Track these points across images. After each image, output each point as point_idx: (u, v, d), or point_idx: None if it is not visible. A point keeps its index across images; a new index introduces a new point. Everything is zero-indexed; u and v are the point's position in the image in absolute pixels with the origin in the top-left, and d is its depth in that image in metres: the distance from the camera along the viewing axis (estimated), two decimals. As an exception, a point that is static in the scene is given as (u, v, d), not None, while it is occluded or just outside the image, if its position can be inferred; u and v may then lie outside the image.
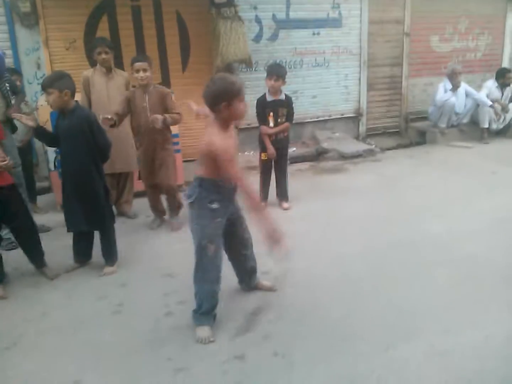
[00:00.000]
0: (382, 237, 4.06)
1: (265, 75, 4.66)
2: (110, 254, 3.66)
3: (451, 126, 7.50)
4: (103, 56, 4.33)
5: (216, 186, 2.63)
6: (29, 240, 3.54)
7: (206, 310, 2.79)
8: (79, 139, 3.34)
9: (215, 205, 2.65)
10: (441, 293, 3.16)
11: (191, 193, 2.69)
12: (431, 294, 3.15)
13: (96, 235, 3.68)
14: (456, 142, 7.27)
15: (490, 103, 7.19)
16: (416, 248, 3.84)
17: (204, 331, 2.76)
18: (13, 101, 4.22)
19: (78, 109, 3.42)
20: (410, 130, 7.98)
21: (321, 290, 3.24)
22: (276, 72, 4.53)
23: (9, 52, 5.50)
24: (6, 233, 3.80)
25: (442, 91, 7.23)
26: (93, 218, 3.50)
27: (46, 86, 3.29)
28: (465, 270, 3.44)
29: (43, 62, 5.73)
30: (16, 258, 3.79)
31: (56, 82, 3.26)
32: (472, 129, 7.53)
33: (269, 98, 4.63)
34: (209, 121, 2.70)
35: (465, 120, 7.51)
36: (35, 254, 3.58)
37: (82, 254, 3.69)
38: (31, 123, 3.34)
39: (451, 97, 7.13)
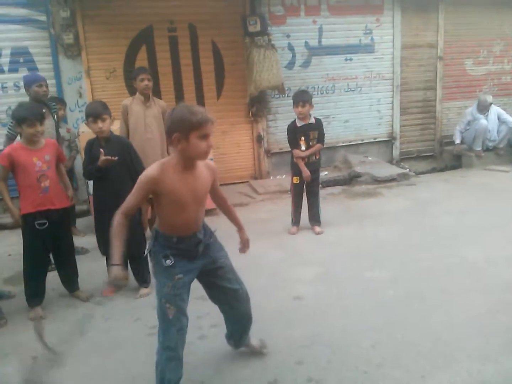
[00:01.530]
0: (416, 263, 4.00)
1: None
2: (144, 276, 3.73)
3: (487, 150, 7.36)
4: (146, 82, 4.48)
5: (169, 241, 2.31)
6: (68, 263, 3.66)
7: None
8: (121, 165, 3.51)
9: (169, 261, 2.30)
10: (478, 320, 3.08)
11: (149, 244, 2.40)
12: (468, 321, 3.07)
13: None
14: (492, 166, 7.14)
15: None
16: (451, 274, 3.77)
17: None
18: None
19: (114, 137, 3.61)
20: (445, 153, 7.88)
21: (353, 316, 3.21)
22: (302, 98, 4.64)
23: (52, 81, 5.79)
24: None
25: (464, 124, 7.32)
26: (131, 241, 3.58)
27: (101, 112, 3.44)
28: (502, 297, 3.35)
29: (84, 90, 6.01)
30: (54, 279, 3.90)
31: (107, 109, 3.50)
32: (510, 152, 7.37)
33: (299, 123, 4.73)
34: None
35: (501, 145, 7.36)
36: (70, 277, 3.69)
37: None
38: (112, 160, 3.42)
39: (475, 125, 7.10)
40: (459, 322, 3.08)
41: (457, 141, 7.34)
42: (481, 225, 4.81)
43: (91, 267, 4.06)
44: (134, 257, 3.67)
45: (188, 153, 2.20)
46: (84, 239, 4.86)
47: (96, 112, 3.45)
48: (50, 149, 3.46)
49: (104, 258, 3.73)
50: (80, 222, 5.29)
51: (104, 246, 3.62)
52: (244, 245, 2.77)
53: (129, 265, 3.71)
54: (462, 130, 7.33)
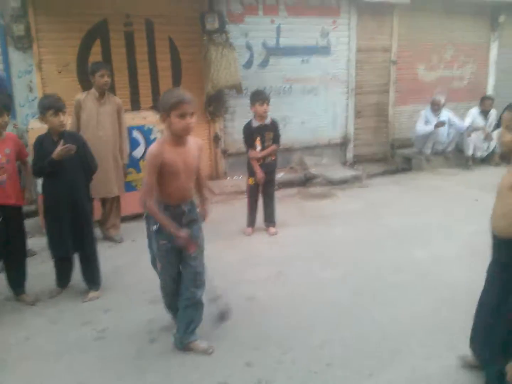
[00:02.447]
0: (366, 263, 4.12)
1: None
2: (95, 278, 3.66)
3: (436, 153, 7.64)
4: (106, 79, 4.38)
5: (158, 207, 2.63)
6: (18, 265, 3.53)
7: (187, 325, 2.85)
8: (75, 161, 3.42)
9: (155, 227, 2.68)
10: (423, 317, 3.22)
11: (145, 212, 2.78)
12: (413, 318, 3.21)
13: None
14: (441, 169, 7.41)
15: (466, 125, 7.39)
16: (399, 273, 3.91)
17: (197, 345, 2.88)
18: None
19: (67, 132, 3.51)
20: (396, 156, 8.12)
21: (303, 316, 3.27)
22: (261, 97, 4.66)
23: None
24: None
25: (423, 121, 7.42)
26: (82, 242, 3.53)
27: (61, 107, 3.36)
28: (446, 295, 3.51)
29: (35, 85, 5.77)
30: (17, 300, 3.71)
31: (56, 103, 3.36)
32: (457, 156, 7.69)
33: (255, 123, 4.73)
34: None
35: (450, 148, 7.66)
36: (18, 279, 3.55)
37: (65, 278, 3.69)
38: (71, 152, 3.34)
39: (430, 129, 7.32)
40: (405, 319, 3.21)
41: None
42: (429, 226, 5.00)
43: (39, 270, 3.93)
44: (85, 256, 3.61)
45: (172, 130, 2.59)
46: (32, 240, 4.66)
47: (58, 105, 3.35)
48: (11, 143, 3.40)
49: (53, 260, 3.63)
50: (26, 223, 5.07)
51: (55, 247, 3.54)
52: (203, 217, 2.98)
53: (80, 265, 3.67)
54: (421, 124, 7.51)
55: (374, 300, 3.46)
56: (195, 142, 2.79)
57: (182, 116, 2.52)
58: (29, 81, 5.73)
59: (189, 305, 2.82)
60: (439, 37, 8.26)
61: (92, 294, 3.61)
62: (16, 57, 5.66)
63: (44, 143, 3.41)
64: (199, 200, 3.00)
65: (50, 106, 3.32)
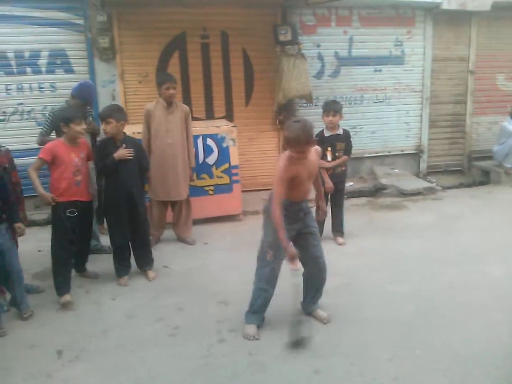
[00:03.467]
0: (437, 278, 3.98)
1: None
2: (150, 260, 4.18)
3: (517, 167, 7.23)
4: (172, 91, 4.54)
5: (283, 202, 2.97)
6: (84, 249, 4.04)
7: (256, 309, 3.17)
8: (134, 162, 3.92)
9: None
10: (498, 339, 3.05)
11: (264, 205, 3.19)
12: (488, 340, 3.05)
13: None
14: (522, 184, 7.00)
15: None
16: (473, 291, 3.74)
17: (251, 329, 3.14)
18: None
19: (128, 138, 4.01)
20: (473, 169, 7.77)
21: (371, 328, 3.22)
22: (333, 107, 4.66)
23: (88, 84, 5.97)
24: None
25: (509, 125, 7.04)
26: (138, 229, 4.03)
27: (106, 116, 3.80)
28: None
29: (117, 93, 6.16)
30: (81, 277, 4.11)
31: (115, 113, 3.81)
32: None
33: (326, 133, 4.73)
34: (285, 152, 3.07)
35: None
36: (82, 259, 4.08)
37: (126, 265, 4.07)
38: (130, 156, 3.85)
39: None
40: (479, 340, 3.06)
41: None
42: (506, 242, 4.73)
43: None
44: (140, 241, 4.08)
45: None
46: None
47: (101, 115, 3.84)
48: (84, 148, 3.86)
49: (113, 251, 4.07)
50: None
51: (115, 237, 3.99)
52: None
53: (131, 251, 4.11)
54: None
55: (445, 319, 3.33)
56: (315, 150, 3.14)
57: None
58: (112, 90, 6.13)
59: (314, 283, 3.27)
60: (521, 46, 7.85)
61: (152, 273, 4.11)
62: (101, 68, 6.08)
63: (108, 146, 3.88)
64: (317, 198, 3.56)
65: (106, 116, 3.79)
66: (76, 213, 3.69)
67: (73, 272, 4.07)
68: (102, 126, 3.88)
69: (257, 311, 3.19)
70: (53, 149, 3.63)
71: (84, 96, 4.44)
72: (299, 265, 3.04)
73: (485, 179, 7.44)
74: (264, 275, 3.12)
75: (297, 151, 2.88)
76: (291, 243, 3.05)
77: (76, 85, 4.55)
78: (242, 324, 3.23)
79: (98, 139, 4.60)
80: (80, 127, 3.67)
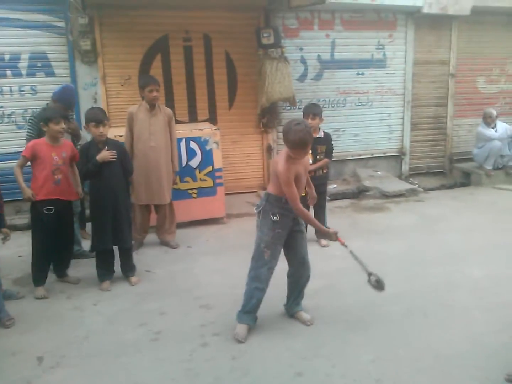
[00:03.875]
0: (420, 279, 4.02)
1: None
2: (132, 266, 4.14)
3: (497, 168, 7.35)
4: (155, 94, 4.51)
5: (279, 202, 3.08)
6: (65, 254, 4.03)
7: (249, 309, 3.17)
8: (117, 164, 3.90)
9: (276, 218, 3.08)
10: (479, 339, 3.09)
11: (259, 205, 3.19)
12: (469, 340, 3.08)
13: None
14: (502, 185, 7.11)
15: None
16: (455, 291, 3.78)
17: (242, 329, 3.15)
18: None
19: (110, 140, 3.99)
20: (455, 170, 7.88)
21: (355, 330, 3.23)
22: (312, 111, 4.67)
23: (68, 87, 5.92)
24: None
25: (486, 131, 7.17)
26: (122, 236, 3.98)
27: (103, 118, 3.83)
28: (504, 316, 3.35)
29: (99, 96, 6.11)
30: (61, 282, 4.07)
31: (106, 115, 3.93)
32: (520, 171, 7.35)
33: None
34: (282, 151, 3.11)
35: (511, 162, 7.34)
36: (63, 264, 4.06)
37: (109, 270, 4.04)
38: (113, 158, 3.85)
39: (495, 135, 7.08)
40: (460, 339, 3.09)
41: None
42: (488, 243, 4.81)
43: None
44: (124, 249, 4.05)
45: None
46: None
47: (98, 118, 3.81)
48: (67, 148, 3.88)
49: (95, 255, 4.04)
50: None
51: (97, 241, 3.94)
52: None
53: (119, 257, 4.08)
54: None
55: (427, 319, 3.36)
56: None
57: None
58: (94, 93, 6.08)
59: (298, 282, 3.30)
60: (501, 50, 7.98)
61: (134, 279, 4.08)
62: (82, 71, 6.03)
63: (90, 150, 3.86)
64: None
65: (92, 118, 3.81)
66: (54, 211, 3.72)
67: (54, 277, 4.04)
68: (95, 130, 3.79)
69: (250, 311, 3.18)
70: (34, 147, 3.69)
71: (65, 100, 4.40)
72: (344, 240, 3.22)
73: (466, 180, 7.55)
74: (261, 274, 3.13)
75: (300, 153, 2.94)
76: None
77: (58, 89, 4.51)
78: (226, 327, 3.23)
79: (80, 143, 4.57)
80: (59, 126, 3.69)
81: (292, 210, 3.08)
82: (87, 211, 5.00)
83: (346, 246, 3.20)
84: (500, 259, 4.40)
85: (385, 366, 2.83)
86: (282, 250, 3.23)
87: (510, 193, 6.85)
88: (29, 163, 3.76)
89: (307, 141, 2.90)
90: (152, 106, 4.59)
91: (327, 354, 2.95)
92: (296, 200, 2.98)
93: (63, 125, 3.74)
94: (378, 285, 3.20)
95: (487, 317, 3.36)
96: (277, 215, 3.08)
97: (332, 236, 3.19)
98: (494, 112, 7.20)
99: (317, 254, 4.62)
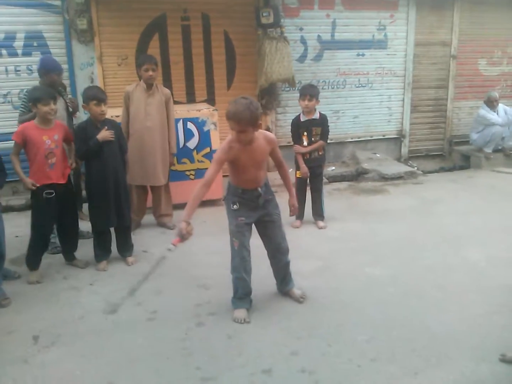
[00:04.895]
0: (417, 261, 4.02)
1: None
2: (130, 246, 4.14)
3: (497, 151, 7.31)
4: (151, 73, 4.45)
5: (236, 191, 3.07)
6: (71, 237, 3.98)
7: (241, 295, 3.16)
8: (115, 144, 3.87)
9: (235, 207, 3.07)
10: (474, 320, 3.09)
11: (224, 195, 3.22)
12: (464, 321, 3.09)
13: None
14: (501, 168, 7.08)
15: None
16: (451, 274, 3.78)
17: (240, 313, 3.12)
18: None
19: (107, 120, 3.92)
20: (454, 153, 7.85)
21: (349, 311, 3.24)
22: (309, 92, 4.62)
23: (65, 66, 5.81)
24: (53, 237, 4.06)
25: (490, 115, 7.08)
26: (123, 215, 3.96)
27: (104, 97, 3.79)
28: (499, 299, 3.36)
29: (96, 76, 6.04)
30: (59, 262, 4.06)
31: (106, 94, 3.86)
32: (519, 155, 7.33)
33: (302, 118, 4.72)
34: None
35: (510, 142, 7.29)
36: (70, 248, 4.00)
37: (108, 250, 4.03)
38: (112, 137, 3.81)
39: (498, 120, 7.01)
40: (455, 321, 3.09)
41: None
42: (486, 226, 4.80)
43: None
44: (123, 228, 4.03)
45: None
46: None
47: (100, 96, 3.76)
48: (58, 130, 3.74)
49: (95, 236, 4.02)
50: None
51: (99, 222, 3.93)
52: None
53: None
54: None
55: (423, 301, 3.36)
56: (267, 138, 3.08)
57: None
58: (90, 73, 6.02)
59: (278, 266, 3.32)
60: (503, 32, 7.89)
61: (131, 259, 4.07)
62: (79, 50, 5.95)
63: (87, 130, 3.80)
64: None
65: (94, 97, 3.71)
66: (54, 194, 3.66)
67: (50, 257, 4.04)
68: (96, 108, 3.72)
69: (242, 297, 3.18)
70: (23, 132, 3.58)
71: (52, 66, 4.34)
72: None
73: (465, 163, 7.52)
74: (236, 264, 3.13)
75: (237, 129, 2.82)
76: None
77: (39, 63, 4.45)
78: (222, 307, 3.24)
79: (74, 123, 4.52)
80: (49, 108, 3.56)
81: (254, 199, 3.06)
82: (84, 192, 5.01)
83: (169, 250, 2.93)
84: (498, 242, 4.39)
85: (380, 346, 2.84)
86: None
87: (509, 176, 6.82)
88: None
89: (245, 116, 2.75)
90: (149, 85, 4.53)
91: (323, 334, 2.96)
92: (204, 179, 2.94)
93: (52, 106, 3.60)
94: None
95: (483, 299, 3.36)
96: (237, 204, 3.06)
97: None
98: (497, 95, 7.13)
99: (314, 236, 4.65)
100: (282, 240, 3.26)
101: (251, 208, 3.09)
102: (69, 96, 4.87)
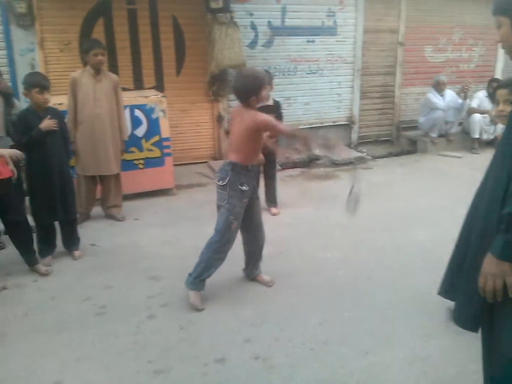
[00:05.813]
0: (367, 244, 4.11)
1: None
2: (77, 239, 3.98)
3: (442, 136, 7.56)
4: (100, 58, 4.30)
5: (245, 170, 3.02)
6: (23, 236, 3.59)
7: (205, 277, 3.11)
8: (59, 133, 3.73)
9: (245, 187, 3.02)
10: (422, 299, 3.19)
11: (223, 176, 3.03)
12: (412, 300, 3.19)
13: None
14: (446, 152, 7.34)
15: (461, 100, 7.27)
16: (400, 254, 3.90)
17: (197, 296, 3.10)
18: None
19: (50, 108, 3.75)
20: (402, 138, 8.05)
21: (302, 295, 3.28)
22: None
23: (3, 52, 5.52)
24: None
25: (434, 98, 7.30)
26: (68, 208, 3.80)
27: (47, 84, 3.60)
28: (447, 277, 3.48)
29: (37, 62, 5.73)
30: (1, 258, 3.86)
31: (49, 81, 3.64)
32: (463, 139, 7.60)
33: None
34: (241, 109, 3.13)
35: (453, 130, 7.56)
36: (27, 251, 3.63)
37: (52, 245, 3.87)
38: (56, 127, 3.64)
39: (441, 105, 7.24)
40: (404, 300, 3.19)
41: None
42: (432, 208, 4.97)
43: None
44: (69, 221, 3.86)
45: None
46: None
47: (43, 84, 3.57)
48: None
49: (37, 231, 3.81)
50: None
51: (43, 216, 3.72)
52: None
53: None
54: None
55: (373, 282, 3.45)
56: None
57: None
58: (31, 59, 5.70)
59: (257, 245, 3.35)
60: (448, 19, 8.09)
61: (78, 253, 3.92)
62: (18, 35, 5.62)
63: (29, 118, 3.60)
64: None
65: (36, 84, 3.53)
66: None
67: (2, 254, 3.85)
68: (39, 96, 3.54)
69: (203, 279, 3.13)
70: None
71: None
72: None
73: (412, 148, 7.73)
74: (225, 246, 3.10)
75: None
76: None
77: None
78: (174, 297, 3.20)
79: (14, 113, 4.27)
80: None
81: (256, 174, 3.20)
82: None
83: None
84: (443, 222, 4.54)
85: (332, 329, 2.88)
86: None
87: (453, 159, 7.08)
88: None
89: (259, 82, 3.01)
90: (97, 71, 4.38)
91: (276, 320, 2.97)
92: (285, 126, 3.21)
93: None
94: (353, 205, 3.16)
95: (431, 278, 3.45)
96: (245, 185, 3.03)
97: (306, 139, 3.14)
98: (445, 79, 7.35)
99: (267, 222, 4.58)
100: (260, 217, 3.33)
101: (252, 186, 3.13)
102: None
